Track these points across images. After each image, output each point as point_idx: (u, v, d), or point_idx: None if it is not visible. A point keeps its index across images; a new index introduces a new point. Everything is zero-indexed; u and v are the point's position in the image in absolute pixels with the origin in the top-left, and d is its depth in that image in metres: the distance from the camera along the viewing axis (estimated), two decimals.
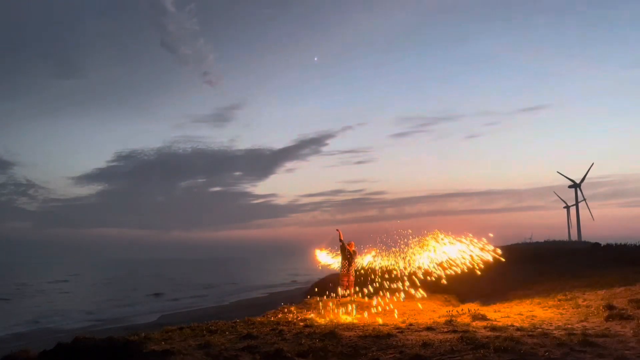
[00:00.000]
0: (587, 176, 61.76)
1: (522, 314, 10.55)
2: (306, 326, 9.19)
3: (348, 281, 13.90)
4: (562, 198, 64.29)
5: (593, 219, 61.32)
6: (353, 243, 14.37)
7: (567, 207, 63.69)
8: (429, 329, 8.79)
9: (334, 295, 13.99)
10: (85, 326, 31.35)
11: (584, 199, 61.18)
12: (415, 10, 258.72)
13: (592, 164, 62.00)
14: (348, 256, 13.96)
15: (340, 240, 14.19)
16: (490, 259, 12.29)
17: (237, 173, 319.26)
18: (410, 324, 9.41)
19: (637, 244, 34.40)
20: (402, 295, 13.40)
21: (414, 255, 14.49)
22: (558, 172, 63.86)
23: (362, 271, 15.64)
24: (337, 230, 14.44)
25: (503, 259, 12.16)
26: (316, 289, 18.76)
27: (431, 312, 11.44)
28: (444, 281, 13.27)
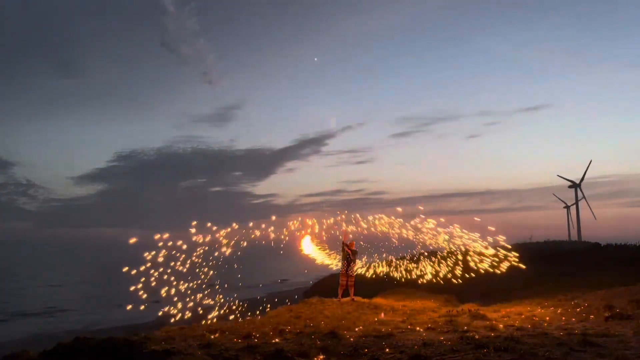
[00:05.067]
0: (588, 176, 61.89)
1: (522, 314, 10.55)
2: (306, 326, 9.19)
3: (347, 282, 13.85)
4: (561, 199, 64.48)
5: (595, 218, 61.62)
6: (354, 242, 14.29)
7: (567, 207, 63.75)
8: (429, 328, 8.80)
9: (337, 292, 13.99)
10: (86, 326, 31.34)
11: (584, 197, 61.38)
12: (415, 10, 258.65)
13: (590, 161, 62.15)
14: (347, 256, 13.91)
15: (344, 242, 14.10)
16: None
17: (237, 173, 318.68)
18: (411, 324, 9.41)
19: (637, 244, 34.44)
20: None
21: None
22: (558, 175, 64.04)
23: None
24: (345, 231, 14.35)
25: None
26: (316, 290, 18.78)
27: (431, 312, 11.43)
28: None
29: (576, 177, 62.03)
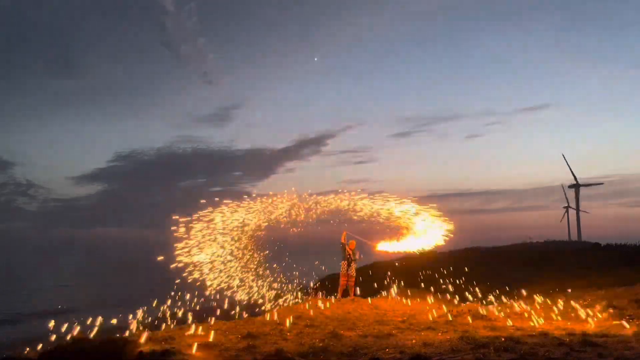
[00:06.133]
0: (587, 176, 62.92)
1: (522, 314, 10.53)
2: (307, 326, 9.19)
3: (347, 282, 13.83)
4: (569, 207, 65.41)
5: (602, 183, 63.58)
6: (354, 242, 14.25)
7: (567, 207, 63.98)
8: (429, 328, 8.79)
9: (335, 294, 13.95)
10: (85, 327, 31.29)
11: (588, 184, 62.61)
12: (415, 11, 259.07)
13: (563, 155, 64.26)
14: (347, 256, 13.89)
15: (342, 242, 14.05)
16: None
17: (237, 173, 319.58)
18: (411, 324, 9.41)
19: (637, 244, 34.39)
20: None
21: None
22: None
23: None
24: (343, 231, 14.28)
25: None
26: (317, 290, 18.76)
27: (431, 312, 11.42)
28: None
29: (571, 178, 62.96)
